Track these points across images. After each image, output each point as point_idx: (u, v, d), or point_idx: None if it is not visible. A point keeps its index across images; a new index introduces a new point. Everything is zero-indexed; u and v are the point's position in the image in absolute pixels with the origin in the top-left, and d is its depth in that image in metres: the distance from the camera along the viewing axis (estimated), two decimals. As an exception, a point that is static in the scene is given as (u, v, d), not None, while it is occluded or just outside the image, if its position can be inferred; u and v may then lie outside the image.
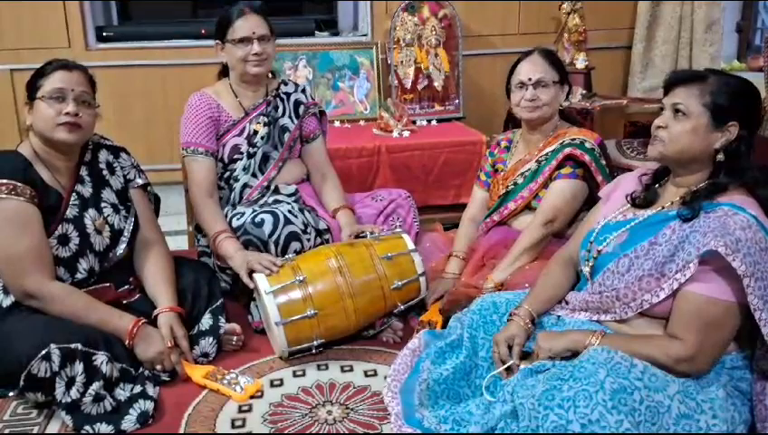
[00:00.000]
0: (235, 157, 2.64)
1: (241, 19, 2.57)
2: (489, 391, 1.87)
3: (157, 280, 2.30)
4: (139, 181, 2.40)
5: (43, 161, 2.16)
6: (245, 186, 2.64)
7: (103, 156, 2.33)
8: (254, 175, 2.65)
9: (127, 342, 2.12)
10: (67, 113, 2.11)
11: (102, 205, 2.26)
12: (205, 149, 2.58)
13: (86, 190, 2.24)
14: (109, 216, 2.27)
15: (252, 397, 2.13)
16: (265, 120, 2.67)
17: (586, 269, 1.90)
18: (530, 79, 2.43)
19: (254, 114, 2.67)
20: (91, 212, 2.22)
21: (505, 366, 1.86)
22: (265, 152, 2.66)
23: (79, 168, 2.25)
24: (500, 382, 1.87)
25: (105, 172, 2.32)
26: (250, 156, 2.65)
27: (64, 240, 2.16)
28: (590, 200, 2.38)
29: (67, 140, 2.14)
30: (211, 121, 2.60)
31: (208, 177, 2.59)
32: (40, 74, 2.15)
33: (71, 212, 2.18)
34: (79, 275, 2.19)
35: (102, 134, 2.40)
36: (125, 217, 2.32)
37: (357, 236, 2.52)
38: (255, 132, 2.65)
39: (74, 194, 2.20)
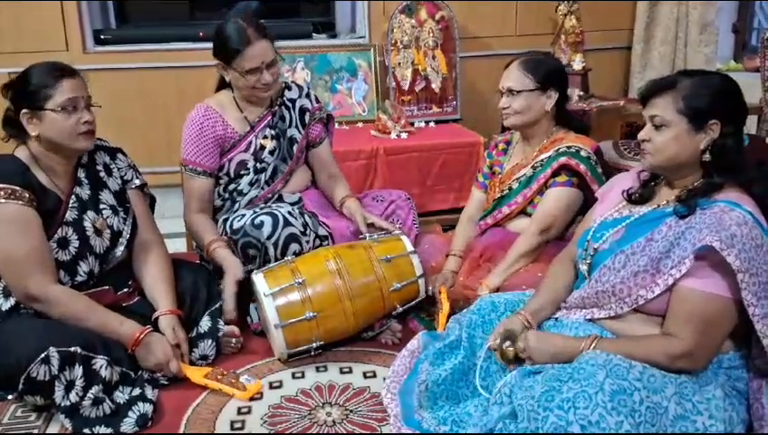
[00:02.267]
0: (242, 172, 2.63)
1: (250, 48, 2.46)
2: (483, 386, 1.88)
3: (156, 282, 2.30)
4: (137, 182, 2.40)
5: (41, 165, 2.16)
6: (250, 198, 2.63)
7: (100, 158, 2.33)
8: (260, 188, 2.64)
9: (129, 349, 2.12)
10: (86, 122, 2.13)
11: (101, 207, 2.26)
12: (204, 169, 2.57)
13: (84, 193, 2.23)
14: (108, 217, 2.27)
15: (251, 398, 2.13)
16: (272, 132, 2.65)
17: (584, 267, 1.90)
18: (502, 87, 2.45)
19: (260, 127, 2.64)
20: (90, 214, 2.22)
21: (488, 344, 1.87)
22: (275, 166, 2.65)
23: (76, 170, 2.25)
24: (495, 379, 1.87)
25: (102, 174, 2.31)
26: (257, 171, 2.63)
27: (64, 243, 2.15)
28: (586, 207, 2.37)
29: (87, 147, 2.18)
30: (214, 141, 2.57)
31: (204, 195, 2.59)
32: (42, 84, 2.09)
33: (70, 215, 2.18)
34: (79, 278, 2.19)
35: (101, 136, 2.40)
36: (123, 219, 2.32)
37: (360, 234, 2.53)
38: (263, 147, 2.63)
39: (73, 197, 2.20)
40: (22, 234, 2.05)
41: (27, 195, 2.07)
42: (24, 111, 2.10)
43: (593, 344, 1.71)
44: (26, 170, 2.12)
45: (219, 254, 2.44)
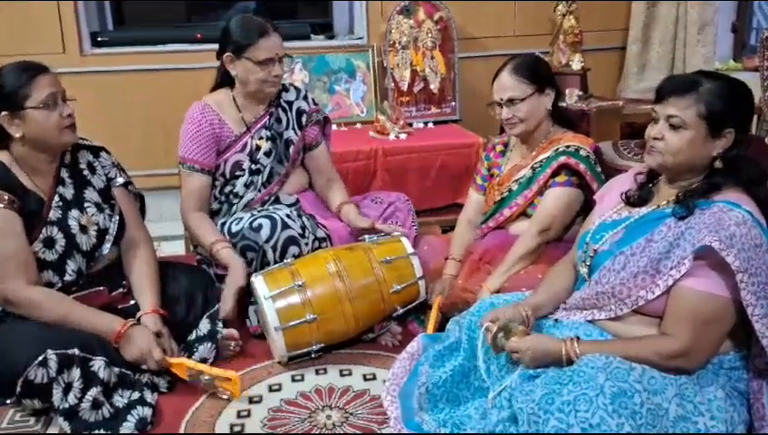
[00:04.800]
0: (237, 173, 2.62)
1: (264, 39, 2.48)
2: (484, 388, 1.88)
3: (141, 282, 2.29)
4: (120, 180, 2.39)
5: (23, 166, 2.15)
6: (247, 201, 2.62)
7: (84, 156, 2.32)
8: (258, 190, 2.64)
9: (113, 343, 2.11)
10: (69, 115, 2.13)
11: (86, 205, 2.25)
12: (201, 166, 2.56)
13: (68, 192, 2.23)
14: (93, 215, 2.26)
15: (251, 402, 2.13)
16: (268, 134, 2.64)
17: (584, 270, 1.90)
18: (501, 99, 2.41)
19: (256, 128, 2.64)
20: (75, 213, 2.21)
21: (484, 326, 1.86)
22: (271, 168, 2.64)
23: (59, 170, 2.24)
24: (495, 380, 1.87)
25: (86, 172, 2.30)
26: (252, 172, 2.62)
27: (50, 243, 2.15)
28: (586, 206, 2.36)
29: (72, 140, 2.18)
30: (212, 138, 2.56)
31: (202, 193, 2.58)
32: (19, 84, 2.08)
33: (54, 214, 2.17)
34: (68, 277, 2.18)
35: (98, 138, 2.39)
36: (109, 216, 2.31)
37: (359, 235, 2.52)
38: (258, 148, 2.63)
39: (56, 196, 2.19)
40: (1, 236, 2.05)
41: (6, 197, 2.07)
42: (3, 113, 2.08)
43: (575, 346, 1.69)
44: (7, 172, 2.12)
45: (224, 254, 2.43)
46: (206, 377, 2.12)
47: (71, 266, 2.19)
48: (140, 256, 2.34)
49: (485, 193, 2.64)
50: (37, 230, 2.13)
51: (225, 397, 2.12)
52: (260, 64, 2.50)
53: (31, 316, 2.08)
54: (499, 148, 2.67)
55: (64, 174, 2.24)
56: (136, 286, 2.30)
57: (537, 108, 2.41)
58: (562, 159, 2.36)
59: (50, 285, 2.15)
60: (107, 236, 2.29)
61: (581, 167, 2.34)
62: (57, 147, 2.17)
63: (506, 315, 1.86)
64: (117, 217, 2.33)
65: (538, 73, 2.42)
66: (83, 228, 2.22)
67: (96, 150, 2.37)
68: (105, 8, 4.13)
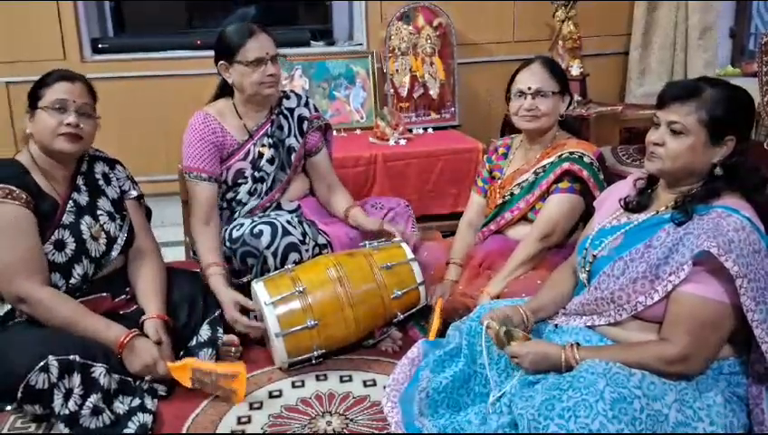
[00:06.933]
0: (239, 181, 2.63)
1: (252, 39, 2.50)
2: (485, 393, 1.88)
3: (147, 289, 2.31)
4: (134, 193, 2.44)
5: (40, 169, 2.19)
6: (250, 208, 2.63)
7: (99, 167, 2.36)
8: (260, 197, 2.64)
9: (117, 352, 2.12)
10: (68, 124, 2.15)
11: (98, 213, 2.28)
12: (208, 174, 2.56)
13: (82, 199, 2.26)
14: (105, 223, 2.29)
15: (251, 408, 2.13)
16: (270, 141, 2.65)
17: (583, 275, 1.90)
18: (529, 88, 2.42)
19: (258, 135, 2.64)
20: (87, 219, 2.24)
21: (486, 324, 1.85)
22: (273, 175, 2.65)
23: (75, 177, 2.28)
24: (496, 383, 1.87)
25: (101, 182, 2.34)
26: (256, 180, 2.63)
27: (60, 245, 2.17)
28: (587, 213, 2.36)
29: (66, 150, 2.18)
30: (215, 147, 2.57)
31: (209, 201, 2.58)
32: (42, 84, 2.18)
33: (67, 218, 2.20)
34: (73, 281, 2.20)
35: (99, 145, 2.40)
36: (120, 226, 2.34)
37: (367, 237, 2.55)
38: (261, 155, 2.63)
39: (71, 201, 2.23)
40: (16, 234, 2.08)
41: (24, 196, 2.11)
42: (27, 109, 2.18)
43: (575, 352, 1.70)
44: (25, 173, 2.16)
45: (213, 283, 2.42)
46: (212, 377, 2.13)
47: (77, 271, 2.20)
48: (148, 265, 2.36)
49: (487, 195, 2.65)
50: (49, 232, 2.16)
51: (231, 402, 2.12)
52: (251, 65, 2.50)
53: (39, 317, 2.10)
54: (501, 150, 2.67)
55: (80, 181, 2.28)
56: (142, 293, 2.31)
57: (556, 109, 2.45)
58: (566, 165, 2.36)
59: (55, 287, 2.16)
60: (115, 245, 2.31)
61: (585, 174, 2.34)
62: (55, 152, 2.19)
63: (506, 313, 1.87)
64: (127, 227, 2.36)
65: (563, 77, 2.48)
66: (94, 235, 2.24)
67: (112, 163, 2.42)
68: (106, 15, 4.14)
